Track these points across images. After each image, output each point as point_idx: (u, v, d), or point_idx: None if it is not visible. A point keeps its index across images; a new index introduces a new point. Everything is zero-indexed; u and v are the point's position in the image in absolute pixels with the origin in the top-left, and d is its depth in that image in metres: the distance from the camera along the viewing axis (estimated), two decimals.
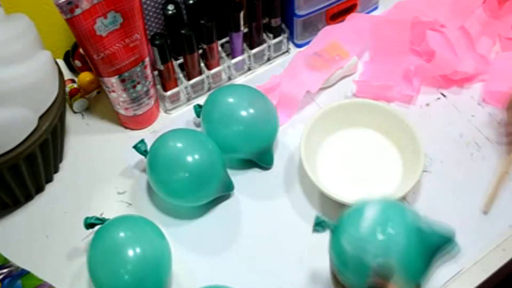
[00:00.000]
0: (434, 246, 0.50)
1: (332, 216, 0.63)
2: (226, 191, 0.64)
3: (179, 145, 0.61)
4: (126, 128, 0.73)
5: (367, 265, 0.49)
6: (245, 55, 0.75)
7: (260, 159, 0.66)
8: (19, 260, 0.60)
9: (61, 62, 0.74)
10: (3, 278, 0.56)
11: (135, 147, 0.64)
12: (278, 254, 0.61)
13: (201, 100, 0.72)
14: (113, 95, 0.68)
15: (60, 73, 0.64)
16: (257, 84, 0.71)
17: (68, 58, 0.74)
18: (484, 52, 0.73)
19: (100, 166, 0.69)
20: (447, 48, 0.72)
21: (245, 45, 0.74)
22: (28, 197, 0.66)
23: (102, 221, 0.59)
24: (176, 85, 0.72)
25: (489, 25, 0.73)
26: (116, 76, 0.65)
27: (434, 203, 0.63)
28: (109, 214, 0.60)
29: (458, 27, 0.73)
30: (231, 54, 0.75)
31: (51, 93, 0.61)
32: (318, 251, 0.61)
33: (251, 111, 0.63)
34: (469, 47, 0.72)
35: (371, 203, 0.53)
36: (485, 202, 0.63)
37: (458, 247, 0.50)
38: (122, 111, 0.70)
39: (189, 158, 0.60)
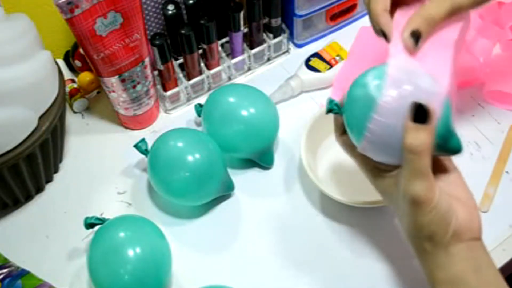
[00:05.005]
0: None
1: (332, 216, 0.63)
2: (226, 190, 0.64)
3: (180, 144, 0.61)
4: (126, 128, 0.73)
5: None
6: (245, 55, 0.75)
7: (261, 159, 0.66)
8: (19, 260, 0.60)
9: (61, 62, 0.74)
10: (3, 278, 0.56)
11: (136, 146, 0.64)
12: (278, 254, 0.61)
13: (201, 100, 0.72)
14: (113, 95, 0.68)
15: (60, 73, 0.64)
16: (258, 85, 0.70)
17: (68, 58, 0.74)
18: (484, 54, 0.73)
19: (100, 166, 0.69)
20: None
21: (245, 45, 0.74)
22: (28, 197, 0.66)
23: (102, 221, 0.59)
24: (176, 85, 0.72)
25: (486, 29, 0.73)
26: (116, 76, 0.65)
27: None
28: (109, 214, 0.60)
29: None
30: (231, 54, 0.75)
31: (51, 93, 0.61)
32: (318, 251, 0.61)
33: (252, 110, 0.63)
34: (467, 51, 0.72)
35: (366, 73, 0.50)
36: (483, 200, 0.63)
37: None
38: (122, 111, 0.70)
39: (190, 158, 0.60)
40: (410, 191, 0.46)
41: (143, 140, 0.64)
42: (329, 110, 0.52)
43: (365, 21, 0.80)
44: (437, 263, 0.47)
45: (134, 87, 0.67)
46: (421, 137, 0.45)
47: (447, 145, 0.47)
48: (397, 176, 0.49)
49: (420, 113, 0.45)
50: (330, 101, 0.52)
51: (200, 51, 0.71)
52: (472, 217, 0.48)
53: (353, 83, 0.50)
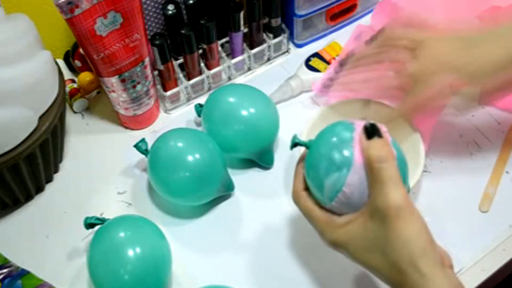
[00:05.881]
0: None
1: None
2: (226, 191, 0.64)
3: (180, 144, 0.61)
4: (126, 128, 0.73)
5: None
6: (245, 55, 0.75)
7: (261, 159, 0.66)
8: (19, 260, 0.60)
9: (61, 62, 0.74)
10: (3, 278, 0.56)
11: (136, 146, 0.64)
12: (278, 254, 0.61)
13: (201, 100, 0.72)
14: (113, 95, 0.68)
15: (60, 73, 0.64)
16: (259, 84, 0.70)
17: (68, 58, 0.74)
18: None
19: (100, 166, 0.69)
20: None
21: (245, 45, 0.74)
22: (28, 197, 0.66)
23: (102, 221, 0.59)
24: (176, 85, 0.72)
25: None
26: (116, 76, 0.65)
27: (434, 203, 0.63)
28: (109, 214, 0.60)
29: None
30: (231, 54, 0.75)
31: (51, 93, 0.61)
32: (318, 251, 0.61)
33: (252, 110, 0.63)
34: None
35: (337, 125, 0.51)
36: (483, 200, 0.63)
37: None
38: (122, 111, 0.70)
39: (190, 158, 0.60)
40: (389, 202, 0.44)
41: (143, 140, 0.64)
42: (294, 145, 0.53)
43: (365, 20, 0.81)
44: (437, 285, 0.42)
45: (134, 87, 0.67)
46: (384, 147, 0.46)
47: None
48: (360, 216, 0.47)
49: (372, 131, 0.46)
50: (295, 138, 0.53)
51: (200, 51, 0.71)
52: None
53: (319, 139, 0.51)
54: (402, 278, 0.44)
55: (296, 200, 0.52)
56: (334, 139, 0.49)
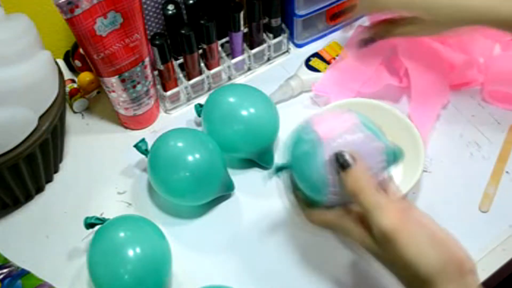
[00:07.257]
0: None
1: None
2: (226, 191, 0.64)
3: (180, 144, 0.61)
4: (126, 128, 0.73)
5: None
6: (245, 55, 0.75)
7: (261, 159, 0.66)
8: (19, 260, 0.60)
9: (61, 62, 0.74)
10: (3, 278, 0.56)
11: (136, 146, 0.64)
12: (278, 254, 0.61)
13: (201, 100, 0.72)
14: (113, 95, 0.68)
15: (60, 73, 0.64)
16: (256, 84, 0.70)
17: (68, 58, 0.74)
18: (484, 54, 0.73)
19: (100, 166, 0.69)
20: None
21: (245, 45, 0.74)
22: (28, 197, 0.66)
23: (102, 221, 0.59)
24: (176, 85, 0.72)
25: (486, 30, 0.73)
26: (116, 76, 0.65)
27: (434, 203, 0.63)
28: (109, 214, 0.60)
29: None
30: (231, 54, 0.75)
31: (51, 93, 0.61)
32: (318, 251, 0.61)
33: (252, 110, 0.63)
34: (467, 52, 0.72)
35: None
36: (483, 200, 0.63)
37: None
38: (122, 111, 0.70)
39: (190, 158, 0.60)
40: (382, 229, 0.45)
41: (143, 140, 0.64)
42: (278, 170, 0.54)
43: (365, 20, 0.81)
44: None
45: (134, 87, 0.67)
46: (356, 180, 0.47)
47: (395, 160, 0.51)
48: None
49: (343, 161, 0.47)
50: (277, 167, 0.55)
51: (200, 51, 0.71)
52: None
53: (294, 144, 0.53)
54: None
55: (312, 220, 0.53)
56: (304, 151, 0.51)
